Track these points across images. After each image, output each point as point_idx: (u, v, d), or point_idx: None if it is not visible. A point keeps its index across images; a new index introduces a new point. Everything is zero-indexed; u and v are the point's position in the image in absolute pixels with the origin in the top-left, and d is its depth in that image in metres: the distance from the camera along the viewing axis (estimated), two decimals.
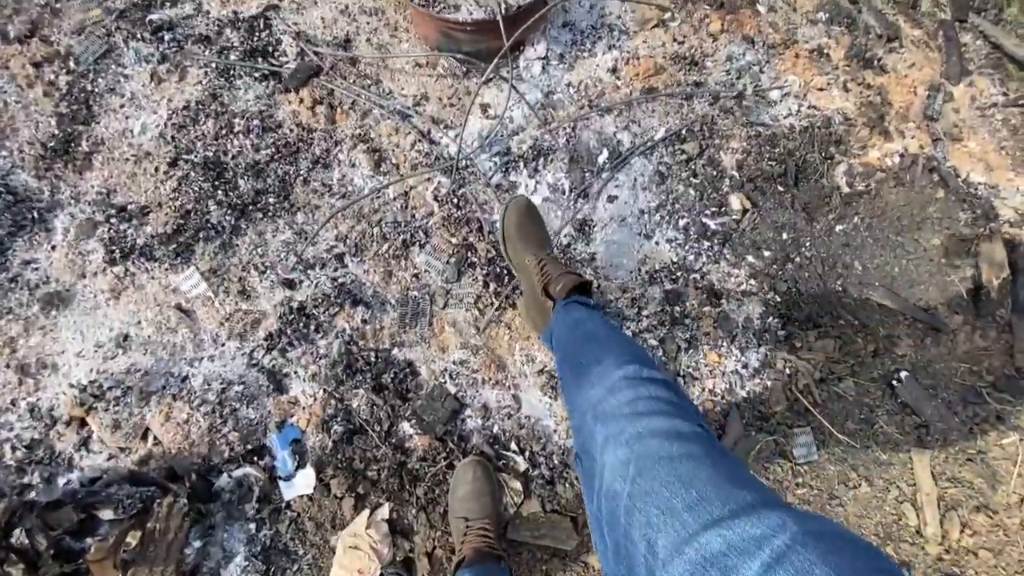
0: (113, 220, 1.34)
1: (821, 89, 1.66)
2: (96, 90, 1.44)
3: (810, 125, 1.59)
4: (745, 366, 1.36)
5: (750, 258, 1.46)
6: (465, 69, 1.55)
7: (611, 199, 1.49)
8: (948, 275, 1.46)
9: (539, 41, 1.56)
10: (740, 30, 1.72)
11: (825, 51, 1.72)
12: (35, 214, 1.32)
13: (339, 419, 1.24)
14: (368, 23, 1.61)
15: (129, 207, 1.36)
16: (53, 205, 1.34)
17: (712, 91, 1.60)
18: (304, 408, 1.26)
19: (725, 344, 1.37)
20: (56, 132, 1.39)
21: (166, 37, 1.52)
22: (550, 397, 1.30)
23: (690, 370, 1.35)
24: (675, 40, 1.66)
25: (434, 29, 1.45)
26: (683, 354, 1.35)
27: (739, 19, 1.74)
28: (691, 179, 1.52)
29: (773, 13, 1.79)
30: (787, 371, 1.36)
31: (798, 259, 1.47)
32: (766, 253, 1.47)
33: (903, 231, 1.50)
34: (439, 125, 1.51)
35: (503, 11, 1.35)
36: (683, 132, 1.55)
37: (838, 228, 1.50)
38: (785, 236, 1.48)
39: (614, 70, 1.58)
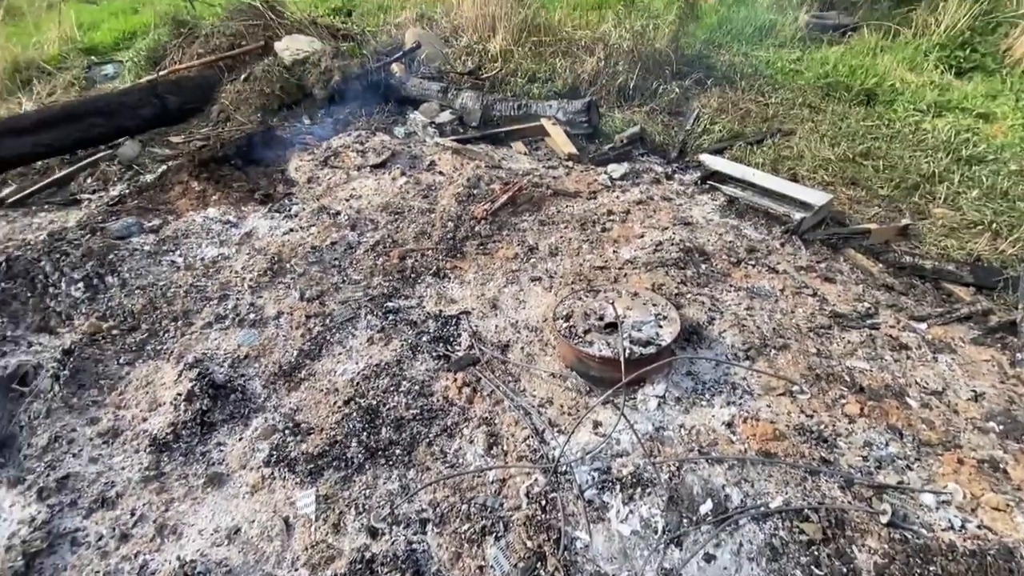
0: (286, 431, 1.72)
1: (998, 509, 1.42)
2: (331, 340, 2.06)
3: (981, 550, 1.31)
4: None
5: None
6: (588, 388, 1.79)
7: (708, 558, 1.36)
8: None
9: (660, 381, 1.76)
10: (884, 419, 1.67)
11: (1001, 466, 1.52)
12: (246, 411, 1.79)
13: None
14: (526, 336, 2.05)
15: (302, 425, 1.75)
16: (260, 408, 1.81)
17: (844, 474, 1.50)
18: None
19: None
20: (293, 360, 1.97)
21: (390, 317, 2.16)
22: None
23: None
24: (803, 412, 1.68)
25: (571, 354, 1.78)
26: None
27: (883, 408, 1.70)
28: (812, 567, 1.32)
29: (927, 410, 1.71)
30: None
31: None
32: None
33: None
34: (553, 428, 1.69)
35: (627, 355, 1.62)
36: (805, 510, 1.42)
37: None
38: None
39: (730, 425, 1.64)
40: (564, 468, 1.57)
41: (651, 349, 1.68)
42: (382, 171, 3.14)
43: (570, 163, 3.52)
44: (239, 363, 1.91)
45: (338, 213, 2.73)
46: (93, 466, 1.59)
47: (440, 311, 2.19)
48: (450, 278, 2.41)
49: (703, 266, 2.43)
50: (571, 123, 3.85)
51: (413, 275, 2.38)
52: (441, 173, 3.22)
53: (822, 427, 1.62)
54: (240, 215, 2.68)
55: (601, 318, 1.87)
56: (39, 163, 3.37)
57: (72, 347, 1.88)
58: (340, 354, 2.00)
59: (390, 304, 2.22)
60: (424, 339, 2.05)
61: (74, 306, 2.09)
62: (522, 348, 2.00)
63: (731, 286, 2.30)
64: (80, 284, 2.15)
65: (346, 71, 4.24)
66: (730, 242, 2.61)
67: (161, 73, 4.22)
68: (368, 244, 2.53)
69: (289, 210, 2.77)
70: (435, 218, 2.75)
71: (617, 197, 3.10)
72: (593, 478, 1.55)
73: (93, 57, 5.58)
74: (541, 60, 4.89)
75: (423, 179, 3.12)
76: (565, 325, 1.84)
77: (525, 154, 3.65)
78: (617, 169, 3.43)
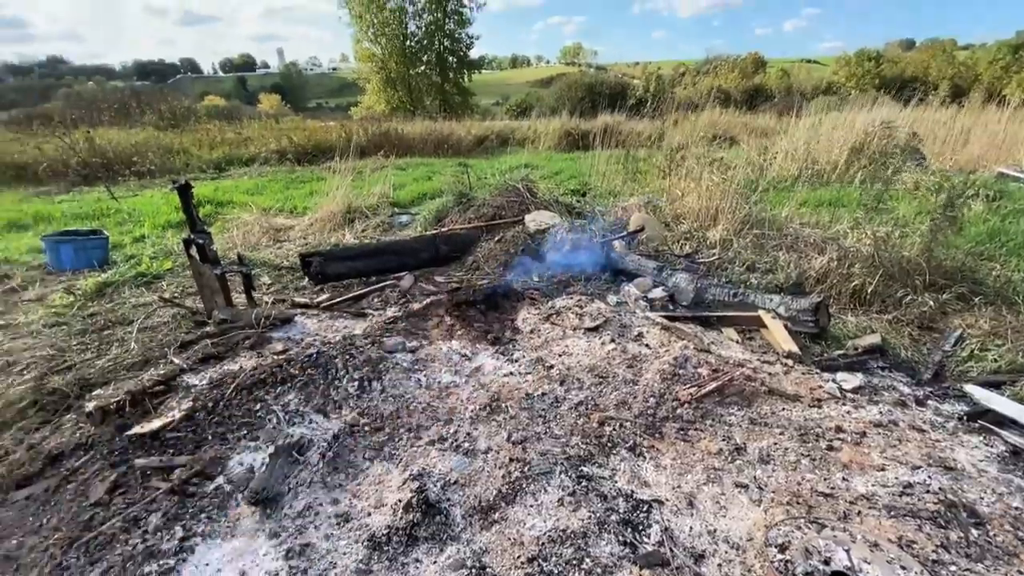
0: (473, 570, 1.81)
1: None
2: (526, 489, 2.17)
3: None
4: None
5: None
6: None
7: None
8: None
9: None
10: None
11: None
12: (444, 536, 1.95)
13: None
14: (725, 552, 1.85)
15: (487, 569, 1.82)
16: (455, 538, 1.96)
17: None
18: None
19: None
20: (491, 499, 2.12)
21: (583, 482, 2.19)
22: None
23: None
24: None
25: None
26: None
27: None
28: None
29: None
30: None
31: None
32: None
33: None
34: None
35: None
36: None
37: None
38: None
39: None
40: None
41: None
42: (594, 335, 3.42)
43: (790, 362, 3.31)
44: (449, 486, 2.14)
45: (551, 367, 3.02)
46: (325, 543, 1.89)
47: (632, 491, 2.15)
48: (645, 457, 2.37)
49: (974, 531, 1.93)
50: (794, 320, 3.69)
51: (610, 444, 2.42)
52: (647, 346, 3.35)
53: None
54: (474, 351, 3.18)
55: (827, 561, 1.60)
56: (345, 281, 4.59)
57: (338, 433, 2.38)
58: (532, 506, 2.08)
59: (584, 468, 2.27)
60: (612, 517, 2.01)
61: (346, 399, 2.67)
62: (720, 566, 1.80)
63: (1022, 573, 1.76)
64: (356, 382, 2.76)
65: (576, 243, 4.93)
66: (1017, 509, 2.04)
67: (441, 229, 5.53)
68: (572, 402, 2.71)
69: (512, 355, 3.18)
70: (637, 390, 2.83)
71: (848, 412, 2.76)
72: None
73: (396, 208, 7.59)
74: (762, 251, 4.95)
75: (630, 349, 3.28)
76: (780, 558, 1.63)
77: (737, 342, 3.57)
78: (849, 380, 3.09)
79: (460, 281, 4.48)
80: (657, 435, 2.52)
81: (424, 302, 3.83)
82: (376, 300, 4.11)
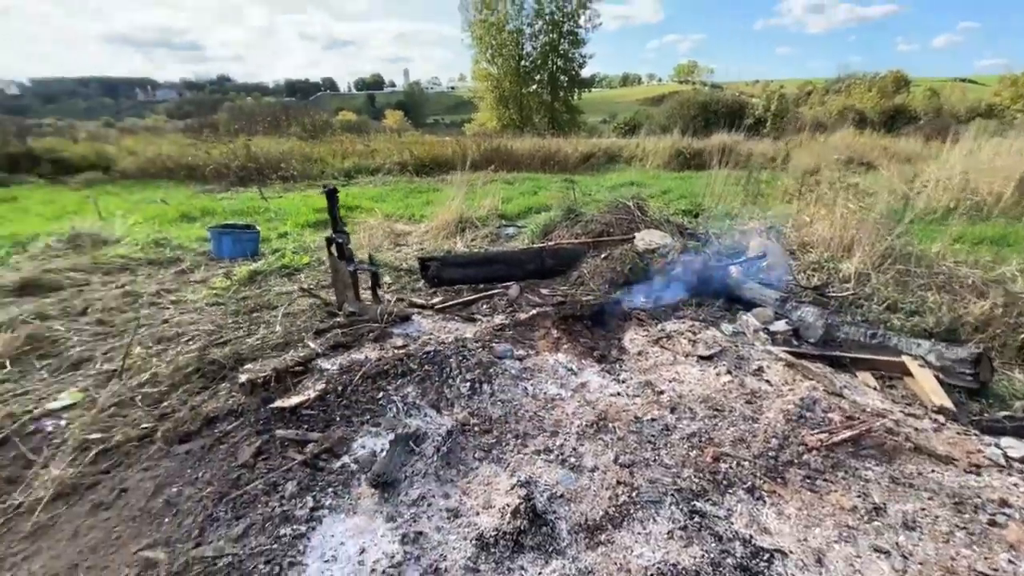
0: None
1: None
2: (634, 515, 2.10)
3: None
4: None
5: None
6: None
7: None
8: None
9: None
10: None
11: None
12: (549, 549, 1.95)
13: None
14: None
15: None
16: (560, 552, 1.95)
17: None
18: None
19: None
20: (597, 519, 2.08)
21: (695, 518, 2.08)
22: None
23: None
24: None
25: None
26: None
27: None
28: None
29: None
30: None
31: None
32: None
33: None
34: None
35: None
36: None
37: None
38: None
39: None
40: None
41: None
42: (708, 363, 3.25)
43: (941, 418, 2.88)
44: (555, 499, 2.14)
45: (662, 392, 2.91)
46: (437, 534, 1.98)
47: (751, 536, 2.00)
48: (766, 502, 2.19)
49: None
50: (947, 370, 3.23)
51: (726, 482, 2.27)
52: (768, 382, 3.11)
53: None
54: (580, 366, 3.16)
55: None
56: (456, 286, 4.81)
57: (452, 430, 2.49)
58: (640, 534, 2.01)
59: (697, 503, 2.15)
60: (728, 561, 1.88)
61: (458, 398, 2.79)
62: None
63: None
64: (468, 383, 2.87)
65: (688, 264, 4.73)
66: None
67: (548, 243, 5.60)
68: (684, 432, 2.59)
69: (618, 375, 3.11)
70: (757, 429, 2.63)
71: (1015, 485, 2.34)
72: None
73: (503, 220, 7.83)
74: (906, 290, 4.40)
75: (748, 383, 3.07)
76: None
77: (875, 389, 3.19)
78: (1016, 447, 2.63)
79: (565, 295, 4.49)
80: (779, 480, 2.31)
81: (531, 312, 3.89)
82: (485, 306, 4.26)
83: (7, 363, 3.36)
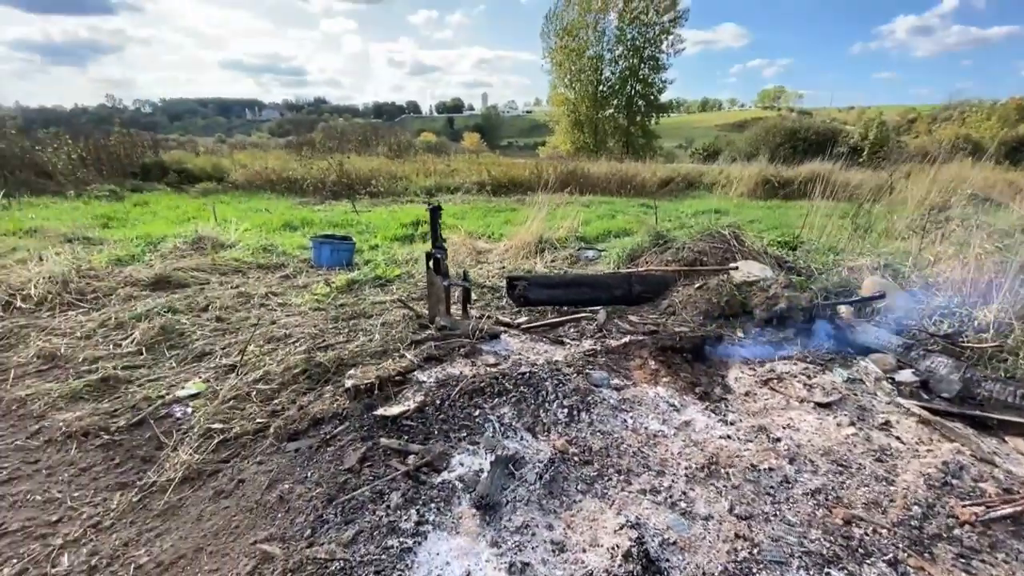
0: None
1: None
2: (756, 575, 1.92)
3: None
4: None
5: None
6: None
7: None
8: None
9: None
10: None
11: None
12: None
13: None
14: None
15: None
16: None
17: None
18: None
19: None
20: (715, 574, 1.92)
21: None
22: None
23: None
24: None
25: None
26: None
27: None
28: None
29: None
30: None
31: None
32: None
33: None
34: None
35: None
36: None
37: None
38: None
39: None
40: None
41: None
42: (825, 411, 2.96)
43: None
44: (667, 545, 1.99)
45: (778, 440, 2.68)
46: (543, 567, 1.90)
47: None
48: None
49: None
50: None
51: (862, 551, 2.02)
52: (899, 439, 2.77)
53: None
54: (682, 403, 2.99)
55: None
56: (540, 307, 4.78)
57: (553, 457, 2.42)
58: None
59: (830, 571, 1.92)
60: None
61: (555, 424, 2.72)
62: None
63: None
64: (565, 410, 2.79)
65: (793, 301, 4.40)
66: None
67: (637, 268, 5.45)
68: (807, 487, 2.34)
69: (725, 416, 2.91)
70: (894, 493, 2.33)
71: None
72: None
73: (583, 242, 7.76)
74: None
75: (875, 438, 2.75)
76: None
77: None
78: None
79: (656, 324, 4.32)
80: (927, 555, 2.02)
81: (622, 340, 3.77)
82: (572, 330, 4.18)
83: (143, 350, 3.72)
